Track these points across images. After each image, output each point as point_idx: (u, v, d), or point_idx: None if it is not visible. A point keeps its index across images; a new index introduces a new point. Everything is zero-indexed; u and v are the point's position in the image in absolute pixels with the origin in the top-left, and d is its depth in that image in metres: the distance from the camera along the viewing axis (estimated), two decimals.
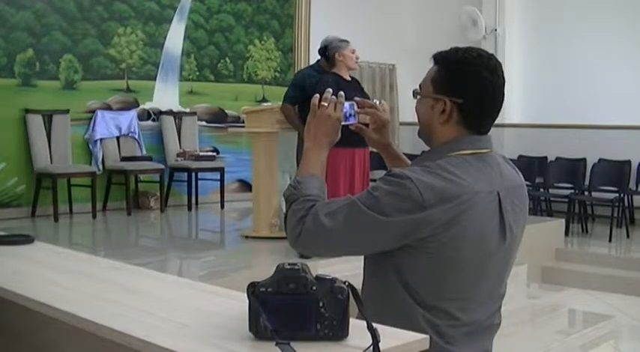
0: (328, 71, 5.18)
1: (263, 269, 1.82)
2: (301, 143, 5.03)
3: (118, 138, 7.24)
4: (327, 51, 5.14)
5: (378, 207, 1.61)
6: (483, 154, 1.74)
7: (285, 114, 5.23)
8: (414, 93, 1.86)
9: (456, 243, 1.63)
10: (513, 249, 1.78)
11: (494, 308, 1.81)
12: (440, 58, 1.79)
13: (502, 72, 1.75)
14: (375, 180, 1.77)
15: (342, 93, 1.81)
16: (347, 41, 5.20)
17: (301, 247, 1.70)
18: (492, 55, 1.77)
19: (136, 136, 7.38)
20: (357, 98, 1.95)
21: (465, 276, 1.68)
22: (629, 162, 7.97)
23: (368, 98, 4.99)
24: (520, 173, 1.87)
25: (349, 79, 5.07)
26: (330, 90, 1.81)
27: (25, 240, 2.28)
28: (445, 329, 1.65)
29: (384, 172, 1.73)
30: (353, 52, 5.07)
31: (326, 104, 1.80)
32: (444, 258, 1.63)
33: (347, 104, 1.85)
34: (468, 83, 1.71)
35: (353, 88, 4.94)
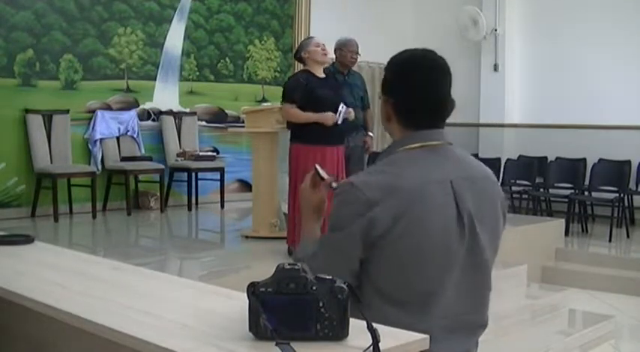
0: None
1: (263, 269, 1.82)
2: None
3: (118, 138, 7.24)
4: (297, 54, 5.16)
5: (336, 224, 1.70)
6: (434, 146, 1.76)
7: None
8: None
9: (411, 235, 1.65)
10: (483, 239, 1.77)
11: (473, 304, 1.79)
12: (387, 63, 1.87)
13: (443, 68, 1.79)
14: None
15: (316, 165, 1.88)
16: (311, 37, 5.22)
17: None
18: (432, 53, 1.82)
19: (136, 136, 7.38)
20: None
21: (427, 267, 1.69)
22: (629, 162, 7.97)
23: (341, 95, 4.99)
24: (486, 167, 1.90)
25: (322, 75, 4.99)
26: (317, 166, 1.88)
27: (25, 240, 2.29)
28: (418, 325, 1.65)
29: None
30: (318, 45, 4.99)
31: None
32: (402, 251, 1.66)
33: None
34: (398, 83, 1.79)
35: (326, 86, 4.93)
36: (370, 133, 5.82)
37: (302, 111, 4.78)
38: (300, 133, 4.77)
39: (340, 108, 4.86)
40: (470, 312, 1.77)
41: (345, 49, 5.69)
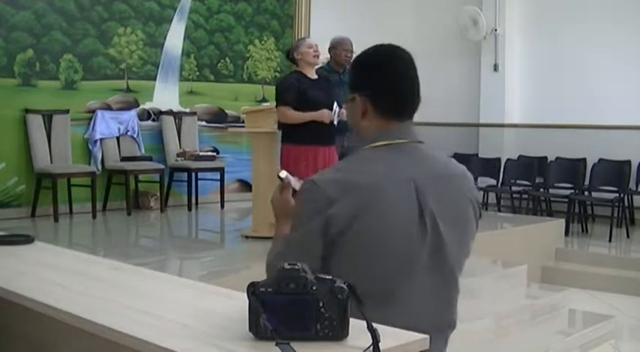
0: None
1: (263, 269, 1.83)
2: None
3: (118, 138, 7.24)
4: (290, 54, 5.17)
5: (297, 222, 1.72)
6: (400, 145, 1.77)
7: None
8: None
9: (369, 232, 1.66)
10: (448, 240, 1.76)
11: (439, 305, 1.78)
12: (351, 64, 1.89)
13: (407, 58, 1.82)
14: None
15: (282, 172, 1.90)
16: (304, 38, 5.23)
17: None
18: (399, 47, 1.84)
19: (136, 136, 7.38)
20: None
21: (386, 265, 1.69)
22: (629, 162, 7.97)
23: (333, 96, 5.01)
24: (458, 165, 1.87)
25: (314, 77, 5.03)
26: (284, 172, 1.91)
27: (25, 240, 2.29)
28: (379, 322, 1.65)
29: None
30: (310, 46, 5.01)
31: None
32: (361, 248, 1.67)
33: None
34: (370, 74, 1.80)
35: (318, 87, 4.94)
36: None
37: (296, 111, 4.81)
38: (292, 134, 4.80)
39: (335, 109, 4.88)
40: (436, 313, 1.76)
41: (340, 47, 5.68)
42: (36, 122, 6.64)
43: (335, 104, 4.92)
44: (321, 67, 5.59)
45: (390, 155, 1.75)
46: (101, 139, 7.10)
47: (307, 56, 4.99)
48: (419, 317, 1.68)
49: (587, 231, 7.39)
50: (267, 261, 1.84)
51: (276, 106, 5.01)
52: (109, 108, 7.28)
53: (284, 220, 1.88)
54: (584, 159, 8.18)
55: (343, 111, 4.98)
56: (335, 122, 4.90)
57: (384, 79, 1.79)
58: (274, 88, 6.47)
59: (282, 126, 4.95)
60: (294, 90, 4.86)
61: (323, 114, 4.80)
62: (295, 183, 1.88)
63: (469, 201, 1.83)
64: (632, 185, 7.83)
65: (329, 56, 5.76)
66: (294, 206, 1.78)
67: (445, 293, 1.81)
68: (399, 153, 1.76)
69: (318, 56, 5.03)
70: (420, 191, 1.72)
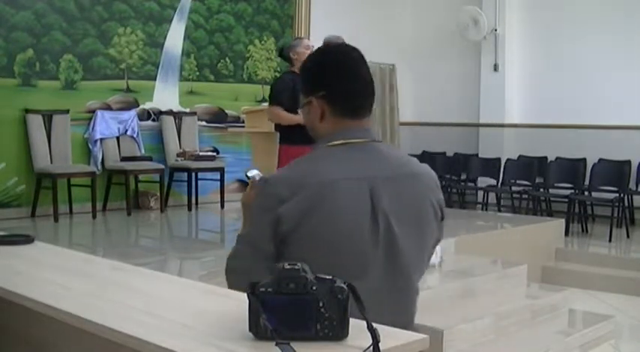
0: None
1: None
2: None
3: (118, 138, 7.24)
4: (284, 52, 5.15)
5: (250, 219, 1.76)
6: (357, 144, 1.76)
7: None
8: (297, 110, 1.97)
9: (320, 231, 1.66)
10: (403, 241, 1.74)
11: (396, 306, 1.76)
12: (300, 68, 1.90)
13: (359, 57, 1.83)
14: None
15: (250, 171, 1.92)
16: (300, 38, 5.20)
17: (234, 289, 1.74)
18: (347, 45, 1.88)
19: (136, 136, 7.38)
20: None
21: (337, 265, 1.65)
22: (629, 162, 7.97)
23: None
24: (421, 165, 1.87)
25: None
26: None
27: (25, 240, 2.28)
28: None
29: None
30: (307, 48, 5.01)
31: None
32: (312, 247, 1.67)
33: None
34: (324, 75, 1.80)
35: None
36: None
37: (289, 112, 4.80)
38: (289, 135, 4.81)
39: None
40: (390, 314, 1.70)
41: None
42: (36, 122, 6.64)
43: None
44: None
45: (346, 153, 1.75)
46: (101, 139, 7.10)
47: (303, 57, 4.98)
48: (375, 318, 1.69)
49: (587, 231, 7.38)
50: (227, 265, 1.85)
51: (269, 105, 5.02)
52: (109, 108, 7.28)
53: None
54: (584, 159, 8.18)
55: None
56: None
57: (339, 79, 1.79)
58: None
59: (278, 127, 4.96)
60: (289, 91, 4.86)
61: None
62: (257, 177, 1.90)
63: (429, 202, 1.81)
64: (632, 185, 7.83)
65: None
66: (249, 205, 1.79)
67: (402, 294, 1.79)
68: (355, 152, 1.76)
69: None
70: (374, 190, 1.71)
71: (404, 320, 1.76)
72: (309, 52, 4.99)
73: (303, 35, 8.31)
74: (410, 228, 1.75)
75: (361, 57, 1.83)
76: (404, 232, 1.74)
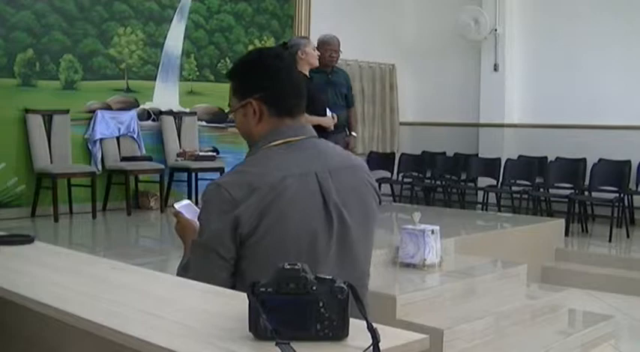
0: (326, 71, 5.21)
1: None
2: None
3: (118, 138, 7.25)
4: (288, 49, 5.13)
5: (205, 226, 1.75)
6: (297, 141, 1.82)
7: None
8: (228, 115, 1.99)
9: (275, 230, 1.70)
10: (354, 231, 1.81)
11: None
12: (231, 73, 1.92)
13: (289, 58, 1.97)
14: None
15: (173, 206, 2.03)
16: (307, 38, 5.17)
17: None
18: (276, 48, 2.02)
19: (136, 136, 7.39)
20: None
21: (295, 260, 1.69)
22: (629, 162, 7.97)
23: (323, 101, 5.02)
24: (355, 157, 1.97)
25: (309, 77, 5.01)
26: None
27: (25, 240, 2.28)
28: None
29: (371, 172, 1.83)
30: (314, 49, 5.01)
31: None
32: (269, 246, 1.71)
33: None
34: (258, 75, 1.85)
35: (316, 87, 4.96)
36: (353, 133, 5.71)
37: None
38: None
39: (328, 114, 4.90)
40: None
41: (325, 47, 5.47)
42: (36, 122, 6.64)
43: (327, 110, 4.91)
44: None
45: (289, 152, 1.80)
46: (101, 139, 7.11)
47: (312, 58, 4.98)
48: None
49: (587, 231, 7.38)
50: (178, 275, 1.87)
51: None
52: (109, 108, 7.28)
53: (187, 238, 1.97)
54: (584, 159, 8.18)
55: (334, 114, 5.01)
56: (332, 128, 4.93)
57: (276, 80, 1.84)
58: None
59: None
60: None
61: (327, 121, 4.80)
62: (188, 208, 2.01)
63: (370, 188, 1.90)
64: (632, 185, 7.83)
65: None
66: (200, 213, 1.80)
67: (357, 283, 1.82)
68: (297, 150, 1.81)
69: (317, 59, 5.03)
70: (322, 183, 1.77)
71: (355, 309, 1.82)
72: (316, 53, 4.99)
73: (302, 35, 8.31)
74: (359, 217, 1.83)
75: (292, 58, 1.93)
76: (354, 222, 1.81)
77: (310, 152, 1.82)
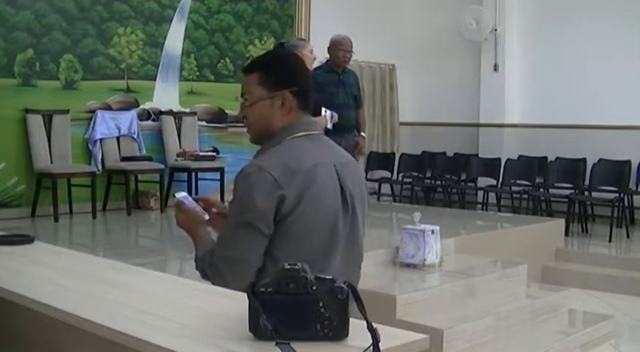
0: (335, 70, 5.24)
1: None
2: None
3: (118, 138, 7.24)
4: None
5: (248, 205, 1.84)
6: (315, 135, 2.00)
7: None
8: (243, 105, 2.06)
9: (309, 211, 1.85)
10: (358, 216, 1.99)
11: (348, 278, 1.94)
12: (257, 66, 2.05)
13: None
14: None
15: (178, 193, 2.12)
16: (305, 40, 5.20)
17: (235, 283, 1.80)
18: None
19: (136, 136, 7.38)
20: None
21: (318, 245, 1.88)
22: (629, 162, 7.97)
23: (317, 101, 5.06)
24: (349, 155, 2.13)
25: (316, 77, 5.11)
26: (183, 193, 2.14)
27: (25, 240, 2.29)
28: None
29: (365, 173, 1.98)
30: (311, 52, 5.05)
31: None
32: (301, 226, 1.85)
33: None
34: (294, 72, 2.02)
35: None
36: (362, 133, 5.72)
37: None
38: None
39: (324, 113, 4.89)
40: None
41: (338, 47, 5.50)
42: (36, 122, 6.64)
43: (323, 109, 4.93)
44: (319, 67, 5.56)
45: (312, 143, 1.95)
46: (101, 139, 7.11)
47: (308, 61, 4.98)
48: None
49: (587, 231, 7.38)
50: (208, 261, 1.93)
51: None
52: (109, 108, 7.28)
53: (197, 228, 2.05)
54: (584, 159, 8.18)
55: (335, 114, 5.01)
56: (329, 126, 4.91)
57: (306, 76, 2.05)
58: None
59: None
60: None
61: (322, 121, 4.81)
62: (189, 203, 2.07)
63: (365, 183, 2.12)
64: (632, 185, 7.83)
65: (328, 55, 5.68)
66: (239, 193, 1.88)
67: (353, 268, 2.04)
68: (317, 142, 1.98)
69: (312, 63, 5.07)
70: (340, 174, 1.94)
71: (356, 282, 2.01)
72: (313, 56, 5.01)
73: (303, 35, 8.32)
74: (361, 206, 2.02)
75: None
76: (359, 210, 2.00)
77: (325, 145, 2.00)
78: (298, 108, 1.97)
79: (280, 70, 2.01)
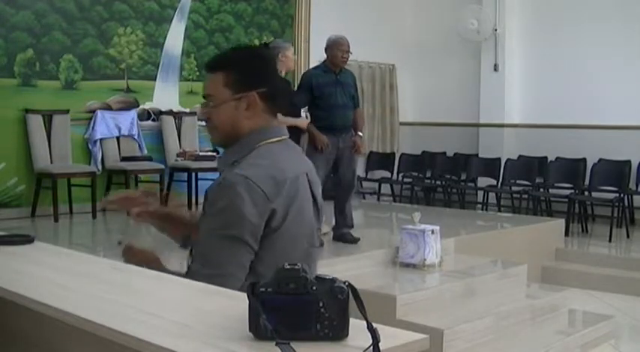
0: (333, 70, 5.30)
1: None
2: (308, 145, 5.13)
3: (118, 138, 7.24)
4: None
5: (235, 220, 1.73)
6: (287, 141, 1.90)
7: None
8: (206, 106, 1.91)
9: (293, 223, 1.78)
10: (322, 223, 1.98)
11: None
12: (224, 63, 1.88)
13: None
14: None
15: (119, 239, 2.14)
16: (290, 42, 5.34)
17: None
18: (256, 45, 2.20)
19: (136, 136, 7.38)
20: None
21: (300, 254, 1.79)
22: (629, 162, 7.97)
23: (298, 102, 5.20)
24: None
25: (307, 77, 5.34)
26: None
27: (25, 240, 2.28)
28: None
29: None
30: (293, 54, 5.31)
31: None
32: (286, 238, 1.78)
33: None
34: (262, 70, 1.88)
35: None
36: (360, 133, 5.72)
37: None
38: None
39: (303, 114, 5.06)
40: None
41: (336, 47, 5.45)
42: (36, 122, 6.64)
43: (302, 110, 5.14)
44: (316, 67, 5.57)
45: (288, 151, 1.87)
46: (101, 139, 7.11)
47: (290, 63, 5.25)
48: None
49: (587, 231, 7.39)
50: (202, 274, 1.78)
51: None
52: (109, 108, 7.28)
53: (153, 263, 2.02)
54: (584, 159, 8.18)
55: (308, 115, 5.19)
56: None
57: (276, 77, 1.95)
58: None
59: None
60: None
61: (303, 122, 5.02)
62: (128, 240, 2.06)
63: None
64: (632, 185, 7.83)
65: (325, 55, 5.66)
66: (223, 205, 1.76)
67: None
68: (291, 149, 1.90)
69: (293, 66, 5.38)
70: (312, 182, 1.89)
71: None
72: (294, 59, 5.25)
73: (303, 35, 8.34)
74: (320, 214, 1.97)
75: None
76: (321, 217, 1.97)
77: (295, 151, 1.93)
78: (265, 110, 1.85)
79: (247, 69, 1.86)
